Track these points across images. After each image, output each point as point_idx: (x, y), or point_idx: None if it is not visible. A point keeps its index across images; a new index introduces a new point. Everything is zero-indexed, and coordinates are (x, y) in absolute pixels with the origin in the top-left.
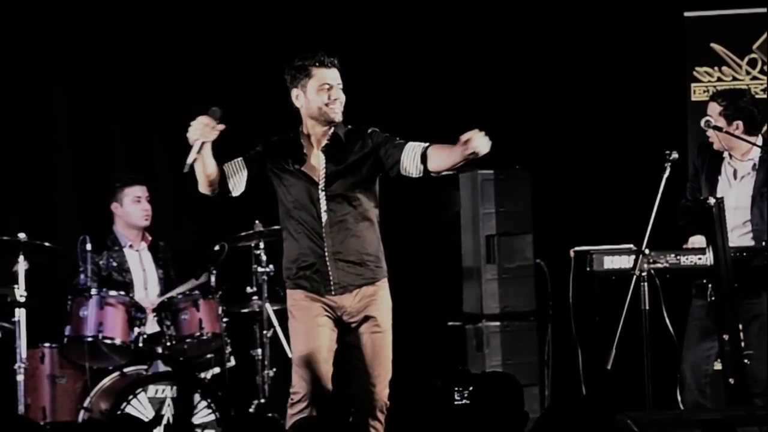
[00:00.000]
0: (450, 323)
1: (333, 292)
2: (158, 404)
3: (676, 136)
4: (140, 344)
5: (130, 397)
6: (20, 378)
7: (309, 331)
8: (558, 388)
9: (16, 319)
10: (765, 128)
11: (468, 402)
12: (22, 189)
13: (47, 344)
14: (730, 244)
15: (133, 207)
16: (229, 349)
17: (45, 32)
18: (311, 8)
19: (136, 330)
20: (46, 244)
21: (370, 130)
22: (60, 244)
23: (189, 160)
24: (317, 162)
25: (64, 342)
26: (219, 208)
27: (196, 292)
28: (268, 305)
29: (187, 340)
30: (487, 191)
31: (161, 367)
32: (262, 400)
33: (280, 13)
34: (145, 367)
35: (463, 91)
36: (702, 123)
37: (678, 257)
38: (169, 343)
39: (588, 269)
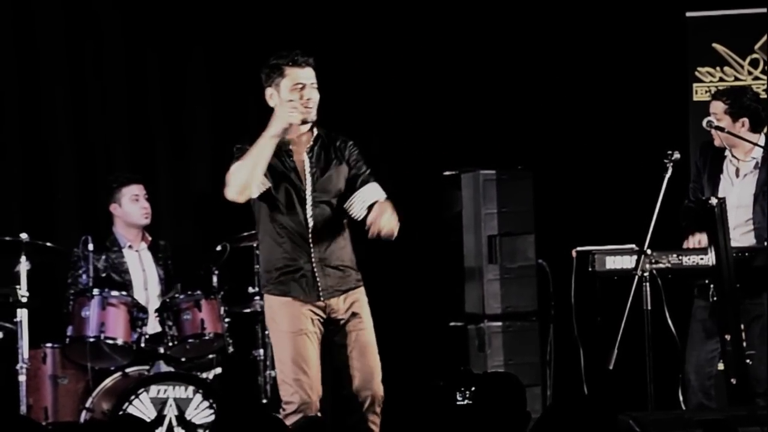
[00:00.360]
0: (452, 323)
1: (321, 298)
2: (160, 405)
3: (678, 137)
4: (142, 344)
5: (132, 397)
6: (22, 378)
7: (297, 339)
8: (560, 389)
9: (18, 319)
10: (766, 128)
11: (470, 402)
12: (23, 189)
13: (49, 344)
14: (733, 243)
15: (131, 206)
16: (230, 350)
17: (47, 32)
18: (312, 8)
19: (138, 330)
20: (48, 244)
21: (350, 143)
22: (61, 245)
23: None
24: (302, 166)
25: (66, 342)
26: (220, 208)
27: (198, 292)
28: None
29: (189, 341)
30: (489, 191)
31: (163, 368)
32: (264, 401)
33: (283, 14)
34: (147, 367)
35: (466, 91)
36: (704, 123)
37: (680, 257)
38: (171, 344)
39: (590, 269)
